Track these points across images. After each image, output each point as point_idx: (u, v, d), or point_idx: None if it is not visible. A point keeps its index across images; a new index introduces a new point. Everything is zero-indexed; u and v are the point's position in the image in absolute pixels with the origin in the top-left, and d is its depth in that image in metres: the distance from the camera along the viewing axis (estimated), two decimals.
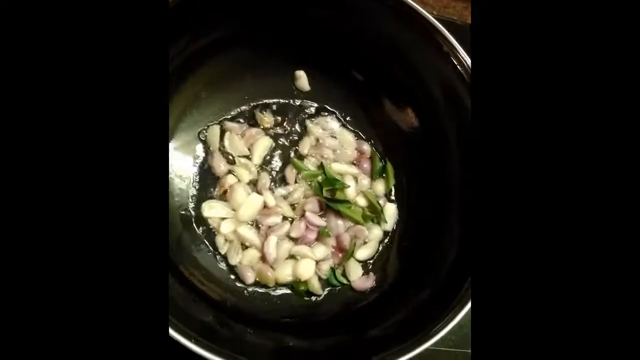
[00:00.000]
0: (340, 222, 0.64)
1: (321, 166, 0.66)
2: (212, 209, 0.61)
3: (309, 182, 0.65)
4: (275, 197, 0.63)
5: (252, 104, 0.68)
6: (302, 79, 0.69)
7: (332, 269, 0.62)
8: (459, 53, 0.58)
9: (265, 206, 0.62)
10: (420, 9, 0.58)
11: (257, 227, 0.62)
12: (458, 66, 0.58)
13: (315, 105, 0.70)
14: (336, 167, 0.67)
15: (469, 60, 0.57)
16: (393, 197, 0.68)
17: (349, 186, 0.65)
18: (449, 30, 0.58)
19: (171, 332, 0.42)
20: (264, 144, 0.66)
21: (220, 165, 0.63)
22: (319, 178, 0.65)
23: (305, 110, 0.70)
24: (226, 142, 0.65)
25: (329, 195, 0.64)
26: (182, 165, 0.62)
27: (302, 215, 0.63)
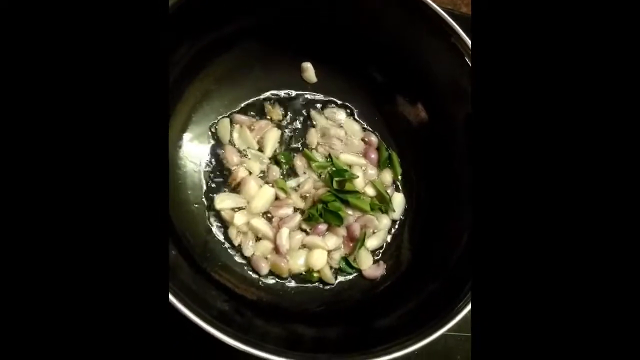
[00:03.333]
0: (350, 212, 0.65)
1: (329, 157, 0.67)
2: (224, 202, 0.62)
3: (319, 173, 0.67)
4: (286, 188, 0.64)
5: (260, 97, 0.68)
6: (309, 71, 0.70)
7: (345, 258, 0.63)
8: (465, 45, 0.59)
9: (276, 198, 0.64)
10: (429, 0, 0.58)
11: (269, 219, 0.63)
12: (466, 58, 0.59)
13: (323, 96, 0.71)
14: (344, 158, 0.68)
15: None
16: (400, 187, 0.70)
17: (358, 177, 0.67)
18: None
19: (190, 315, 0.44)
20: (273, 136, 0.67)
21: (232, 157, 0.64)
22: (329, 169, 0.66)
23: (313, 101, 0.70)
24: (235, 135, 0.66)
25: (338, 186, 0.65)
26: (194, 158, 0.63)
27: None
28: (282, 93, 0.69)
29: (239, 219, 0.61)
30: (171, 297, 0.43)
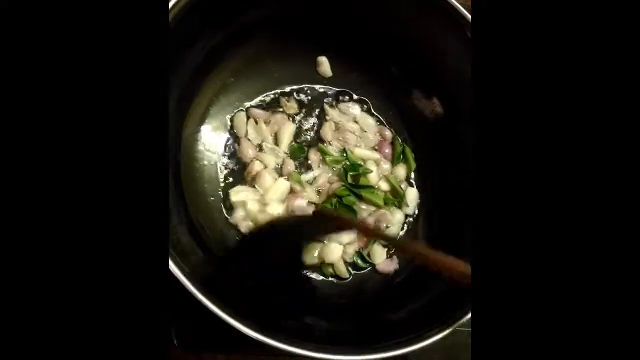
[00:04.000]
0: (363, 206, 0.65)
1: (344, 151, 0.68)
2: (239, 194, 0.63)
3: (333, 168, 0.67)
4: (301, 182, 0.65)
5: (276, 91, 0.69)
6: (325, 65, 0.70)
7: (359, 252, 0.64)
8: None
9: (291, 191, 0.64)
10: None
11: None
12: None
13: (338, 90, 0.71)
14: (358, 152, 0.68)
15: None
16: (413, 182, 0.70)
17: (372, 171, 0.67)
18: None
19: (209, 304, 0.44)
20: (289, 129, 0.67)
21: (247, 151, 0.65)
22: (344, 163, 0.66)
23: (328, 96, 0.71)
24: (250, 129, 0.66)
25: (353, 181, 0.66)
26: (211, 151, 0.64)
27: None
28: (297, 87, 0.70)
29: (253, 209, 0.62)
30: (190, 287, 0.44)
